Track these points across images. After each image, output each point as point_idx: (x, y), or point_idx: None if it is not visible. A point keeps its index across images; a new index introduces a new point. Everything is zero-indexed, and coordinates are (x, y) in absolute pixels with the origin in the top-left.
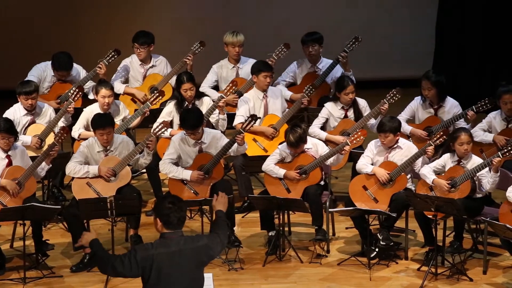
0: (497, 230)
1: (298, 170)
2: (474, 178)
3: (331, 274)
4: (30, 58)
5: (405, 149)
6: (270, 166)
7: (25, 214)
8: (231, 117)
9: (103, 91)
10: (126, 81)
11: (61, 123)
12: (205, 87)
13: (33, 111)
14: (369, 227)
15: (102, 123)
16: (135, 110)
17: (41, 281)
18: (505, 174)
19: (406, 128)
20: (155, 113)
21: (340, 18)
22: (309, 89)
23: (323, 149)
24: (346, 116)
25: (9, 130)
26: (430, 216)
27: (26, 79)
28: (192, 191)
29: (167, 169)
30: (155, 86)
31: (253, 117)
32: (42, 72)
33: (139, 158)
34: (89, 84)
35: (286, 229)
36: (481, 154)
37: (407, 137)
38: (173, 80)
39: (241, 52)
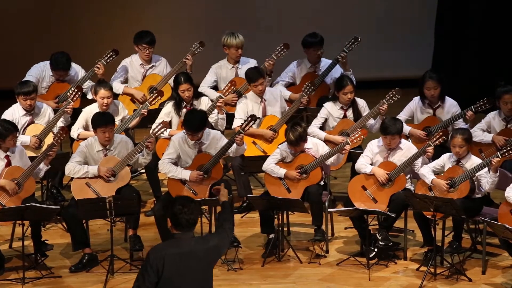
0: (496, 230)
1: (299, 170)
2: (473, 178)
3: (330, 274)
4: (29, 58)
5: (405, 150)
6: (270, 166)
7: (24, 215)
8: (230, 117)
9: (102, 92)
10: (125, 81)
11: (60, 123)
12: (204, 87)
13: (32, 111)
14: (368, 227)
15: (104, 120)
16: (134, 110)
17: (40, 281)
18: (504, 174)
19: (405, 128)
20: (154, 113)
21: (340, 18)
22: (308, 88)
23: (324, 149)
24: (345, 116)
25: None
26: (429, 216)
27: (25, 79)
28: (191, 191)
29: (166, 168)
30: (154, 86)
31: (253, 118)
32: (40, 72)
33: (139, 157)
34: (88, 83)
35: (285, 229)
36: (480, 154)
37: (406, 137)
38: (172, 80)
39: (242, 53)
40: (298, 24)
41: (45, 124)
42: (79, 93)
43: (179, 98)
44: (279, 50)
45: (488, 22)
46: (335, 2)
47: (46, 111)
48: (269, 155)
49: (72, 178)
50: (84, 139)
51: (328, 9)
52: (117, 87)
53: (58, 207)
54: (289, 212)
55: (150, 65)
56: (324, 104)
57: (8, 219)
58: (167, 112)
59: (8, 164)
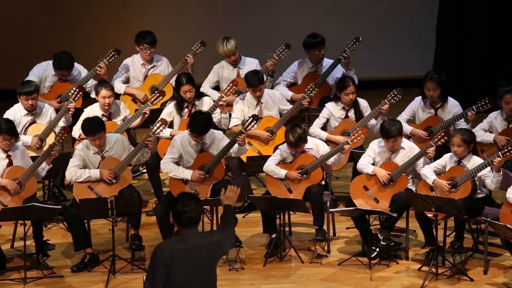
0: (498, 230)
1: (299, 170)
2: (475, 178)
3: (332, 274)
4: (31, 58)
5: (408, 150)
6: (271, 167)
7: (26, 214)
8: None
9: (103, 92)
10: (127, 81)
11: (61, 123)
12: (206, 87)
13: (33, 111)
14: (369, 227)
15: (91, 129)
16: (136, 110)
17: (41, 281)
18: (506, 174)
19: (406, 128)
20: (156, 113)
21: (340, 18)
22: (311, 90)
23: (324, 149)
24: (347, 116)
25: (11, 131)
26: (431, 216)
27: (27, 78)
28: (193, 191)
29: (168, 168)
30: (156, 86)
31: (254, 118)
32: (43, 72)
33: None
34: (91, 83)
35: (287, 229)
36: (481, 154)
37: (408, 137)
38: (173, 80)
39: (238, 57)
40: (298, 24)
41: (46, 124)
42: (80, 93)
43: (180, 98)
44: (281, 50)
45: (490, 21)
46: (336, 1)
47: (48, 111)
48: (267, 155)
49: None
50: (85, 139)
51: (329, 9)
52: (119, 87)
53: (60, 206)
54: (291, 212)
55: (152, 65)
56: (325, 104)
57: (9, 219)
58: (169, 112)
59: (10, 164)
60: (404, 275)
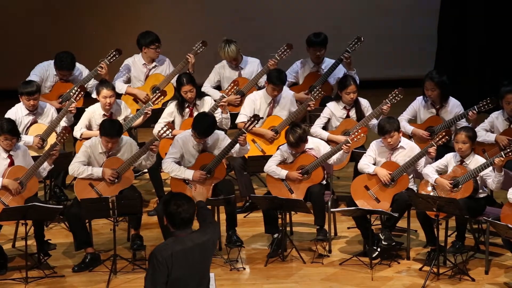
0: (499, 230)
1: (300, 170)
2: (477, 178)
3: (333, 274)
4: (32, 58)
5: (408, 149)
6: (272, 167)
7: (27, 214)
8: (233, 117)
9: (105, 92)
10: (128, 80)
11: (63, 123)
12: (207, 86)
13: (35, 111)
14: (371, 227)
15: (111, 131)
16: (137, 110)
17: (43, 281)
18: (507, 174)
19: (407, 128)
20: (157, 113)
21: (342, 18)
22: (317, 93)
23: (325, 149)
24: (348, 116)
25: (12, 131)
26: (432, 216)
27: (29, 78)
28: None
29: (169, 168)
30: (157, 86)
31: (256, 117)
32: (44, 71)
33: (142, 160)
34: (92, 82)
35: (288, 229)
36: (483, 154)
37: (409, 137)
38: (175, 80)
39: (240, 60)
40: (300, 24)
41: (48, 124)
42: (82, 92)
43: (181, 98)
44: (283, 50)
45: (492, 21)
46: (337, 1)
47: (49, 111)
48: (269, 155)
49: (75, 178)
50: (87, 138)
51: (329, 9)
52: (120, 87)
53: (61, 206)
54: (292, 212)
55: (153, 65)
56: (327, 104)
57: (11, 219)
58: (170, 112)
59: (11, 163)
60: (406, 275)
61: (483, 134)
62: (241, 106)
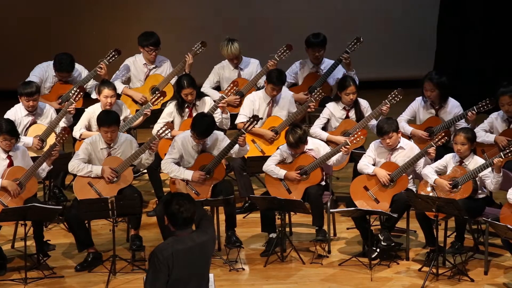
0: (498, 230)
1: (299, 171)
2: (476, 178)
3: (332, 274)
4: (31, 59)
5: (408, 150)
6: (270, 166)
7: (26, 215)
8: (233, 117)
9: (106, 91)
10: (127, 80)
11: (62, 124)
12: (206, 87)
13: (34, 111)
14: (370, 227)
15: (108, 120)
16: (137, 110)
17: (42, 282)
18: (507, 175)
19: (407, 128)
20: (156, 114)
21: (342, 18)
22: (318, 94)
23: (325, 150)
24: (347, 117)
25: (11, 131)
26: (432, 216)
27: (28, 79)
28: (194, 191)
29: (168, 168)
30: (156, 86)
31: (255, 118)
32: (44, 72)
33: (142, 158)
34: (92, 83)
35: (287, 229)
36: (482, 155)
37: (408, 137)
38: (173, 81)
39: (240, 59)
40: (301, 24)
41: (47, 125)
42: (81, 93)
43: (181, 99)
44: (282, 51)
45: (491, 21)
46: (338, 2)
47: (49, 112)
48: (268, 156)
49: (74, 178)
50: (86, 138)
51: (330, 9)
52: (118, 86)
53: (60, 207)
54: (291, 213)
55: (154, 66)
56: (326, 105)
57: (10, 219)
58: (169, 112)
59: (10, 164)
60: (405, 276)
61: (482, 134)
62: (240, 107)
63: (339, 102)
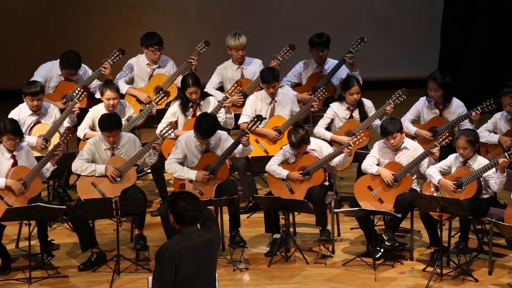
0: (503, 231)
1: (301, 171)
2: (480, 178)
3: (336, 274)
4: (35, 59)
5: (412, 150)
6: (273, 166)
7: (31, 214)
8: (237, 117)
9: (108, 93)
10: (130, 80)
11: (66, 123)
12: (209, 88)
13: (38, 111)
14: (374, 227)
15: (109, 125)
16: (140, 110)
17: (46, 281)
18: (510, 175)
19: (411, 129)
20: (160, 113)
21: (345, 18)
22: (321, 93)
23: (328, 151)
24: (351, 117)
25: (15, 131)
26: (436, 216)
27: (33, 79)
28: (198, 191)
29: (172, 168)
30: (160, 86)
31: (259, 118)
32: (48, 72)
33: (145, 158)
34: (95, 83)
35: (291, 229)
36: (486, 155)
37: (412, 137)
38: (178, 80)
39: (245, 54)
40: (303, 24)
41: (51, 124)
42: (85, 93)
43: (185, 98)
44: (285, 51)
45: (495, 21)
46: (340, 2)
47: (53, 111)
48: (272, 155)
49: (78, 178)
50: (89, 138)
51: (333, 9)
52: (122, 86)
53: (64, 207)
54: (295, 213)
55: (157, 65)
56: (330, 105)
57: (14, 219)
58: (173, 112)
59: (15, 164)
60: (409, 276)
61: (486, 134)
62: (243, 107)
63: (343, 102)
